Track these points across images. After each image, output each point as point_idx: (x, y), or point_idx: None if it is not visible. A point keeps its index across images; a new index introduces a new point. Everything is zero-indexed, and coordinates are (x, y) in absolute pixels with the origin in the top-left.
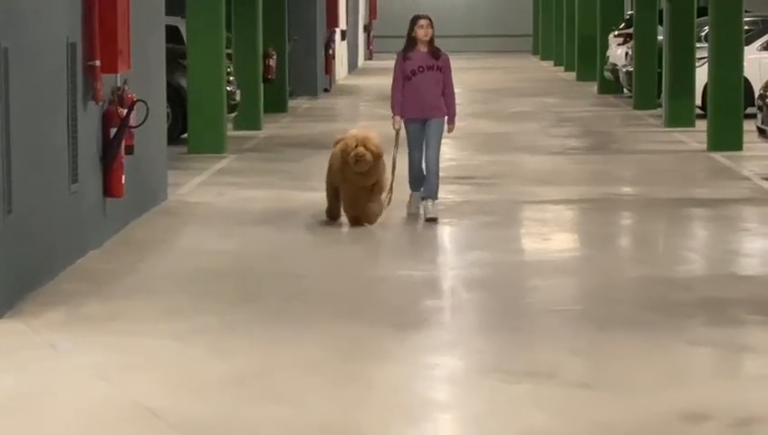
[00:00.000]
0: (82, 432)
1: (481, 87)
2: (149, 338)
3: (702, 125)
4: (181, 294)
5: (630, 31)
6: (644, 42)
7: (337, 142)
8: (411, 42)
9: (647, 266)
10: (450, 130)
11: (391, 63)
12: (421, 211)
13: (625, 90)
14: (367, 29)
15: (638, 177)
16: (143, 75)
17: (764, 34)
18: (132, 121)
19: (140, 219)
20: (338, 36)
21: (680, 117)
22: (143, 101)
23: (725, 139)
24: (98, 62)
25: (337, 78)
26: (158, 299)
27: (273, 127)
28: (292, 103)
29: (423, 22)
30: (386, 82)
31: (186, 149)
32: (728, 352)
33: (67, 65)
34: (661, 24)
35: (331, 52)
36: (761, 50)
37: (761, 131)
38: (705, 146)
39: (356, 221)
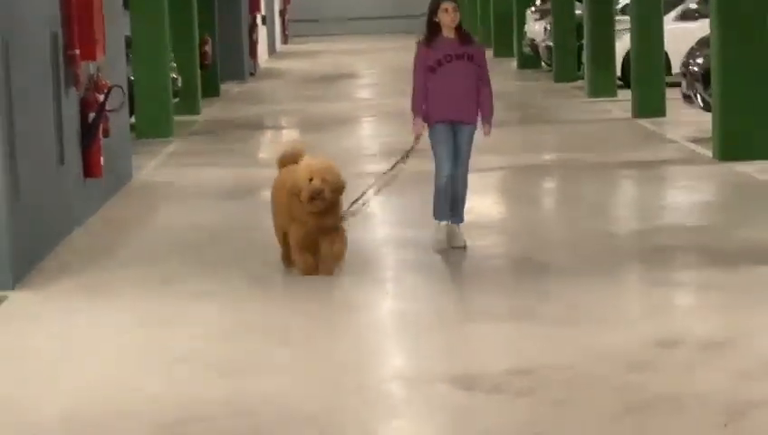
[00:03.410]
0: (132, 375)
1: (400, 66)
2: (158, 300)
3: (623, 94)
4: (173, 263)
5: (548, 6)
6: (562, 16)
7: (281, 162)
8: (433, 28)
9: (596, 222)
10: (487, 133)
11: (307, 48)
12: (449, 242)
13: (544, 64)
14: (282, 14)
15: (571, 144)
16: (109, 62)
17: (678, 5)
18: (108, 106)
19: (113, 199)
20: (259, 21)
21: (602, 87)
22: (119, 87)
23: (650, 105)
24: (77, 51)
25: (259, 62)
26: (154, 268)
27: (210, 111)
28: (222, 88)
29: (448, 5)
30: (304, 65)
31: (133, 135)
32: (687, 290)
33: (51, 55)
34: None
35: (254, 37)
36: (676, 20)
37: (686, 97)
38: (629, 114)
39: (310, 270)
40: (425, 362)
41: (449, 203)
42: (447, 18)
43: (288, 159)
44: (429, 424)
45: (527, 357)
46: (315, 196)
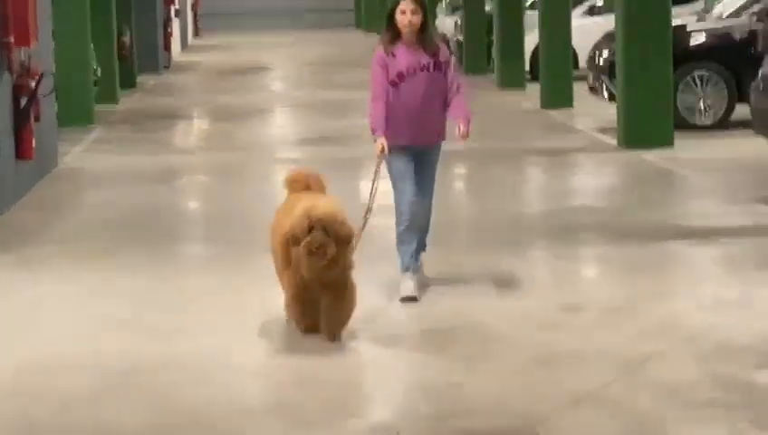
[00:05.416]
0: (77, 336)
1: (313, 60)
2: (95, 272)
3: (532, 87)
4: (107, 239)
5: (458, 2)
6: (473, 11)
7: (290, 187)
8: (393, 30)
9: (506, 203)
10: (465, 137)
11: (219, 41)
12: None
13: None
14: (194, 7)
15: (482, 133)
16: (38, 50)
17: (585, 1)
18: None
19: (42, 182)
20: (173, 14)
21: (512, 80)
22: (51, 73)
23: (557, 97)
24: (12, 38)
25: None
26: (88, 243)
27: (128, 101)
28: (138, 80)
29: (406, 5)
30: (218, 58)
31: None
32: (590, 263)
33: None
34: None
35: (169, 30)
36: (582, 16)
37: (592, 89)
38: (538, 105)
39: (309, 330)
40: (351, 325)
41: (415, 239)
42: (404, 20)
43: (297, 184)
44: (358, 377)
45: (442, 320)
46: (316, 251)
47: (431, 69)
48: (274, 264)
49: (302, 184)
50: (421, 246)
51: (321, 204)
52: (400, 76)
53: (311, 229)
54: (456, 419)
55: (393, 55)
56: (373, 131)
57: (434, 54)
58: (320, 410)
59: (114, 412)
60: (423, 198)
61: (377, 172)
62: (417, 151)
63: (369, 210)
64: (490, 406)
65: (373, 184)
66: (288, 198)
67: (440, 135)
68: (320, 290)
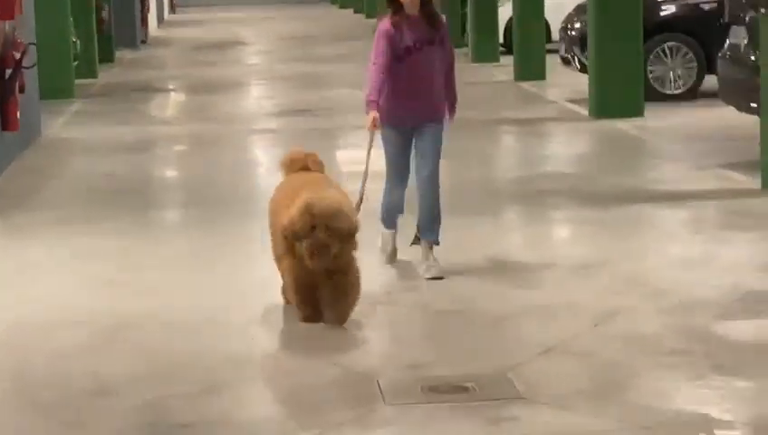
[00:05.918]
0: (69, 295)
1: (290, 35)
2: (82, 236)
3: (505, 60)
4: (91, 205)
5: None
6: None
7: (287, 169)
8: (395, 5)
9: (480, 170)
10: (449, 124)
11: (195, 17)
12: (419, 269)
13: None
14: None
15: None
16: (22, 22)
17: None
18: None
19: (26, 152)
20: None
21: (486, 53)
22: (35, 45)
23: (531, 69)
24: None
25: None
26: (74, 210)
27: (107, 75)
28: (116, 54)
29: None
30: (194, 33)
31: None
32: (561, 225)
33: None
34: None
35: (146, 5)
36: None
37: (564, 60)
38: (512, 77)
39: (310, 320)
40: None
41: (418, 217)
42: None
43: (295, 165)
44: (339, 330)
45: (417, 279)
46: (317, 251)
47: (436, 43)
48: (272, 247)
49: (301, 164)
50: (429, 231)
51: (324, 197)
52: (408, 50)
53: (313, 227)
54: (431, 367)
55: (400, 29)
56: (368, 103)
57: (438, 28)
58: (301, 359)
59: (105, 364)
60: (425, 168)
61: (368, 155)
62: (418, 125)
63: (361, 197)
64: (463, 356)
65: (366, 169)
66: (287, 177)
67: (441, 110)
68: (323, 279)
